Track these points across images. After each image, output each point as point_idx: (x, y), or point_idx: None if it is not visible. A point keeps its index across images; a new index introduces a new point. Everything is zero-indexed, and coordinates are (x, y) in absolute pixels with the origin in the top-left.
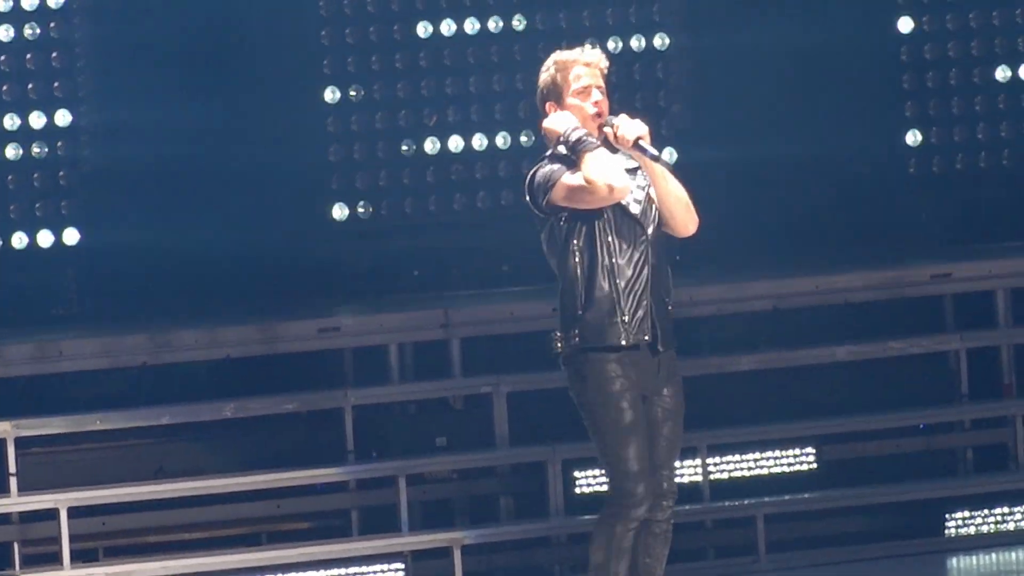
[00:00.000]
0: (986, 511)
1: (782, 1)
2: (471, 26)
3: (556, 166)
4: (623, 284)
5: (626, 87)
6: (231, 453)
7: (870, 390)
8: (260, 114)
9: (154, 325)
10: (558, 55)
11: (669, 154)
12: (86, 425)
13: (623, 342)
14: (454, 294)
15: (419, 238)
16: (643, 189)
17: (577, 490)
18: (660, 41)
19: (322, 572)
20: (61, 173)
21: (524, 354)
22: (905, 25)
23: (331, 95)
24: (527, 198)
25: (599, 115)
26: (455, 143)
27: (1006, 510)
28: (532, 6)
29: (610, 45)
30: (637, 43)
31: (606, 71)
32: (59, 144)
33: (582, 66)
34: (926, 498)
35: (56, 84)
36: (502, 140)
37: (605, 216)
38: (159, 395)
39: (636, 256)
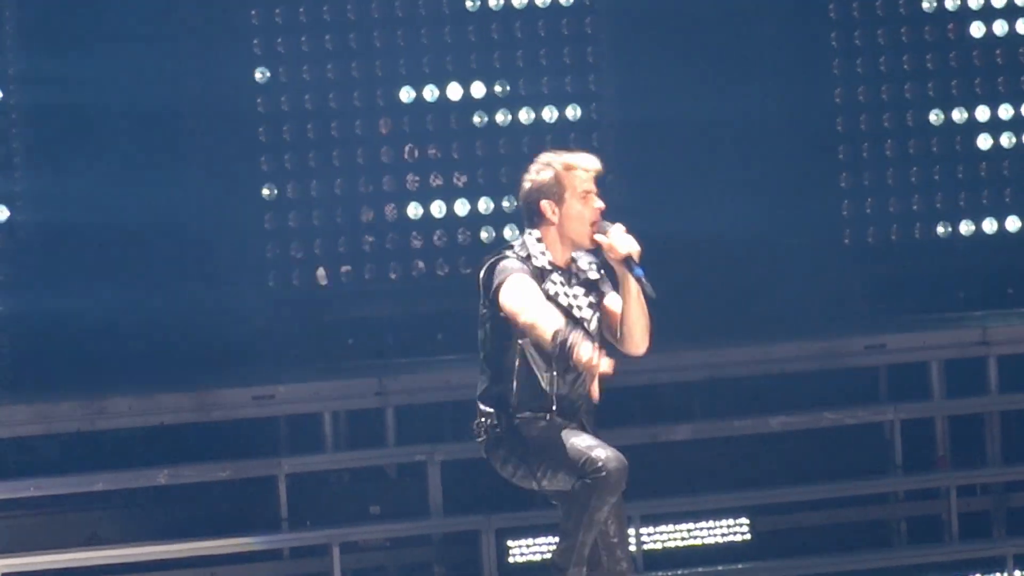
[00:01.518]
0: None
1: (722, 87)
2: (406, 95)
3: (517, 269)
4: (560, 396)
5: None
6: (165, 520)
7: (804, 461)
8: (198, 182)
9: (88, 392)
10: (561, 156)
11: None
12: (20, 491)
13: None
14: (389, 362)
15: (354, 306)
16: (593, 308)
17: (511, 559)
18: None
19: None
20: None
21: (459, 423)
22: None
23: (267, 166)
24: (480, 287)
25: (595, 223)
26: (391, 212)
27: None
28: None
29: (545, 114)
30: (573, 112)
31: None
32: None
33: (583, 171)
34: (860, 569)
35: None
36: (438, 209)
37: None
38: (93, 462)
39: (578, 376)
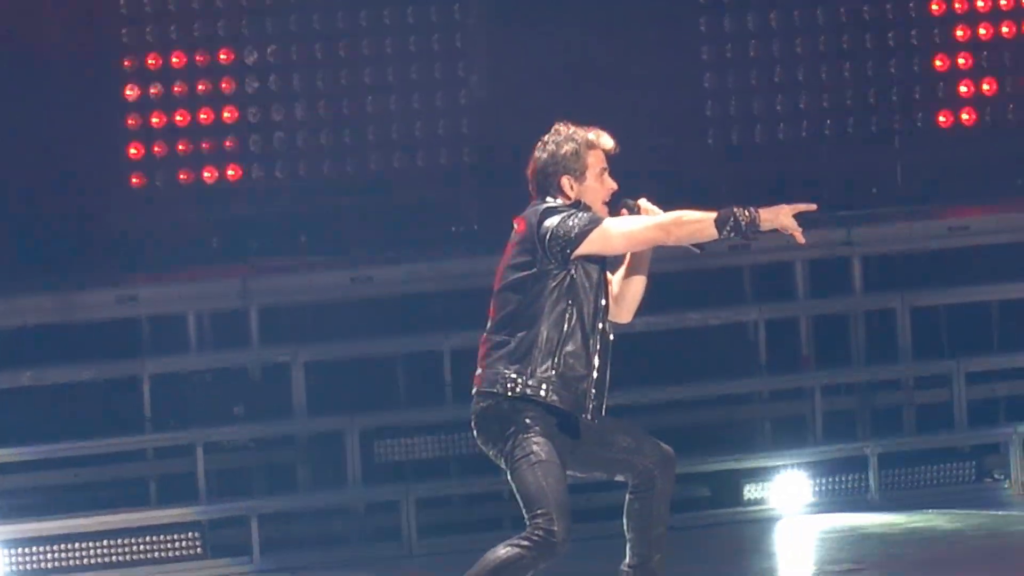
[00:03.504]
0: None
1: None
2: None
3: (587, 214)
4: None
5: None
6: (28, 421)
7: (668, 361)
8: (56, 80)
9: None
10: (581, 132)
11: None
12: None
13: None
14: (252, 263)
15: (218, 207)
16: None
17: (376, 460)
18: None
19: (119, 540)
20: None
21: (322, 324)
22: None
23: (129, 63)
24: (545, 244)
25: (606, 201)
26: (254, 114)
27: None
28: None
29: None
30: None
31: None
32: None
33: (601, 149)
34: (724, 469)
35: None
36: (301, 111)
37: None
38: None
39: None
